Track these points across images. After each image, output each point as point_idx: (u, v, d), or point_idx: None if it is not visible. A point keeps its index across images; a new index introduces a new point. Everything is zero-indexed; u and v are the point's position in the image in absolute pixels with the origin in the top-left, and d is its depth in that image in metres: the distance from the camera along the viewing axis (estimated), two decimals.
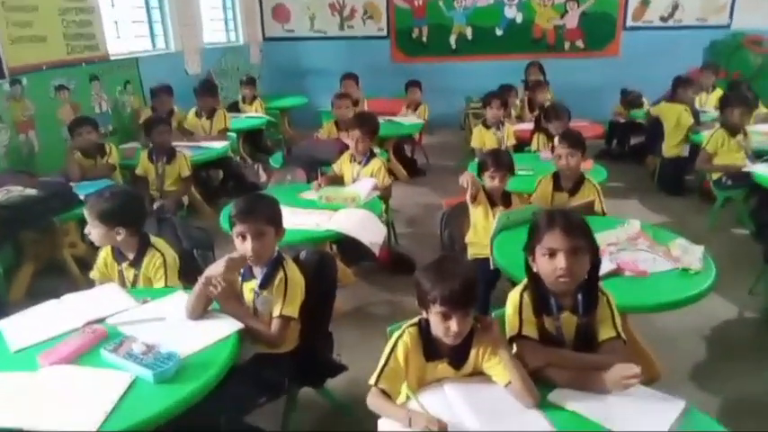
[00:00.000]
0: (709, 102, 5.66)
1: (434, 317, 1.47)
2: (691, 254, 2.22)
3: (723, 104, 4.25)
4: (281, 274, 1.94)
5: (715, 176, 4.18)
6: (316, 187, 3.30)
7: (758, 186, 3.59)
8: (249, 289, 1.98)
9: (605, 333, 1.62)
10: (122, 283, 2.18)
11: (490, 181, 2.86)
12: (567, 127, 4.23)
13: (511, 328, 1.64)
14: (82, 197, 3.11)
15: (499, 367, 1.49)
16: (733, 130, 4.11)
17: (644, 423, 1.35)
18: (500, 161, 2.87)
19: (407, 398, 1.48)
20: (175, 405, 1.49)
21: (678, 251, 2.26)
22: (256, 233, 1.89)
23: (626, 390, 1.44)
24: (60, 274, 3.38)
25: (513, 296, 1.68)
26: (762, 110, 5.08)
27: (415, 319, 1.56)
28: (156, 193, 3.96)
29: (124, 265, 2.21)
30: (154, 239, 2.24)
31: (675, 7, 7.42)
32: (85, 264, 3.45)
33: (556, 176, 3.03)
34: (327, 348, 2.21)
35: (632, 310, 2.00)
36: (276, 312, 1.91)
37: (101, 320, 1.84)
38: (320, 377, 2.17)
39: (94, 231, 2.16)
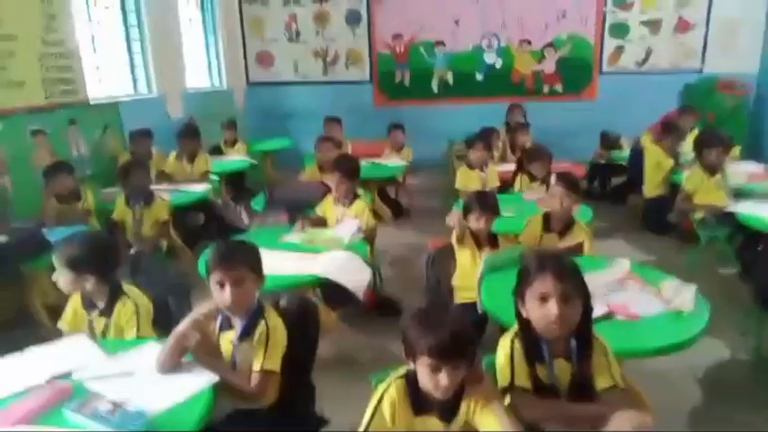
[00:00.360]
0: (687, 143, 5.77)
1: (423, 369, 1.38)
2: (682, 294, 2.17)
3: (700, 145, 4.32)
4: (262, 325, 1.84)
5: (698, 216, 4.20)
6: (299, 228, 3.24)
7: (742, 226, 3.60)
8: (227, 340, 1.87)
9: (603, 382, 1.55)
10: (92, 334, 2.06)
11: (476, 223, 2.83)
12: (548, 168, 4.26)
13: (503, 378, 1.56)
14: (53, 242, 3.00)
15: (491, 420, 1.40)
16: (711, 169, 4.16)
17: None
18: (486, 203, 2.84)
19: None
20: None
21: (669, 292, 2.21)
22: (236, 280, 1.79)
23: None
24: (28, 326, 3.21)
25: (504, 343, 1.61)
26: (735, 151, 5.18)
27: (402, 371, 1.47)
28: (132, 238, 3.85)
29: (94, 314, 2.09)
30: (126, 287, 2.14)
31: (649, 53, 7.67)
32: (57, 314, 3.29)
33: (546, 217, 3.00)
34: (309, 401, 2.09)
35: (626, 355, 1.92)
36: (257, 366, 1.80)
37: (66, 375, 1.72)
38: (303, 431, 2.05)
39: (62, 278, 2.06)
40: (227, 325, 1.88)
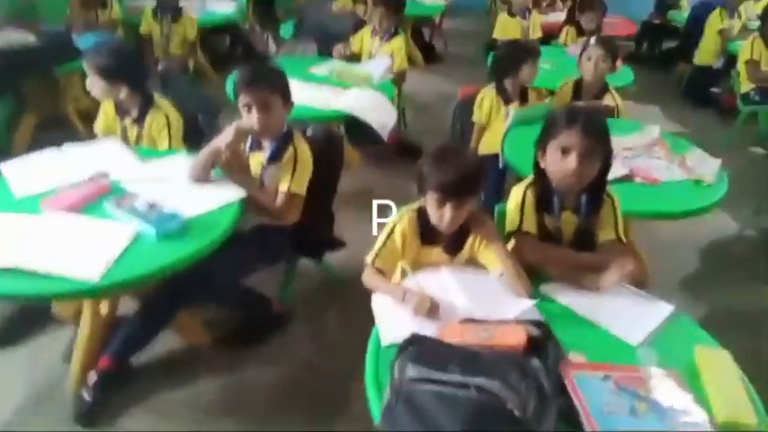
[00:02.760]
0: (755, 10, 5.26)
1: (430, 203, 1.46)
2: (706, 165, 2.17)
3: (766, 14, 3.96)
4: (290, 150, 1.89)
5: (743, 90, 3.99)
6: (338, 53, 3.16)
7: None
8: (257, 161, 1.95)
9: (606, 234, 1.61)
10: (125, 140, 2.15)
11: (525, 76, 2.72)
12: (600, 21, 3.97)
13: (511, 222, 1.63)
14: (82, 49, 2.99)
15: (493, 257, 1.50)
16: None
17: (630, 322, 1.37)
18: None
19: (401, 276, 1.51)
20: (177, 262, 1.52)
21: (694, 162, 2.20)
22: (263, 104, 1.81)
23: (618, 289, 1.46)
24: (63, 128, 3.33)
25: (517, 191, 1.66)
26: None
27: (415, 205, 1.55)
28: (161, 54, 3.80)
29: (127, 121, 2.16)
30: (158, 99, 2.18)
31: None
32: (90, 118, 3.40)
33: (578, 84, 2.87)
34: (329, 226, 2.23)
35: (638, 215, 1.98)
36: (284, 188, 1.89)
37: (104, 174, 1.83)
38: (320, 250, 2.22)
39: (95, 86, 2.09)
40: (256, 146, 1.94)
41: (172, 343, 2.04)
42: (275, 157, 1.91)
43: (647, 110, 4.59)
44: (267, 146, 1.92)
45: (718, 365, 1.21)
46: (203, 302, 2.07)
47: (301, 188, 1.90)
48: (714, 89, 4.71)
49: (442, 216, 1.44)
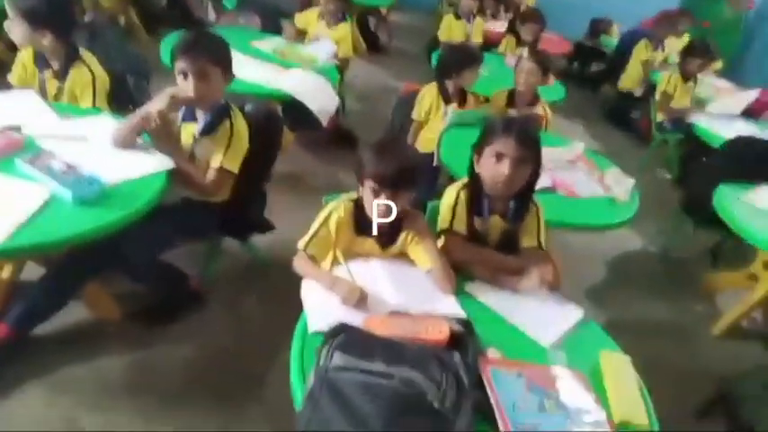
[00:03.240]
0: (677, 46, 5.68)
1: (367, 192, 1.47)
2: (621, 185, 2.32)
3: (686, 52, 4.31)
4: (226, 124, 1.83)
5: (658, 118, 4.32)
6: (288, 35, 3.09)
7: (694, 136, 3.76)
8: (188, 132, 1.87)
9: (529, 240, 1.70)
10: (43, 94, 1.99)
11: (463, 78, 2.78)
12: (538, 35, 4.14)
13: (443, 220, 1.68)
14: None
15: (423, 253, 1.54)
16: (688, 77, 4.21)
17: (543, 324, 1.45)
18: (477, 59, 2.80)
19: (332, 264, 1.51)
20: (92, 231, 1.43)
21: (611, 180, 2.36)
22: (200, 72, 1.74)
23: (536, 292, 1.55)
24: None
25: (450, 192, 1.71)
26: (717, 65, 5.20)
27: (353, 195, 1.56)
28: (89, 4, 3.53)
29: (47, 73, 1.99)
30: (83, 53, 2.02)
31: None
32: (1, 65, 3.10)
33: (511, 93, 2.99)
34: (260, 207, 2.18)
35: (557, 225, 2.09)
36: (215, 163, 1.82)
37: (16, 128, 1.68)
38: (248, 231, 2.16)
39: (17, 29, 1.91)
40: (190, 117, 1.86)
41: (78, 314, 1.92)
42: (209, 130, 1.83)
43: (572, 126, 4.85)
44: (201, 117, 1.85)
45: (619, 369, 1.32)
46: (115, 274, 1.96)
47: (234, 165, 1.85)
48: (633, 114, 5.06)
49: (377, 207, 1.45)
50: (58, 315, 1.77)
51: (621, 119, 5.07)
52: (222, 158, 1.81)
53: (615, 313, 2.65)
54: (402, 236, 1.57)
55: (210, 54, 1.76)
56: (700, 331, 2.72)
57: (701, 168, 3.18)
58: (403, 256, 1.59)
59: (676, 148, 4.26)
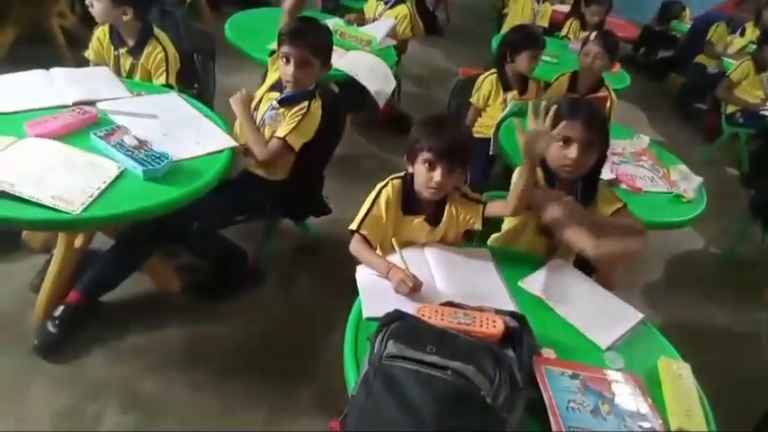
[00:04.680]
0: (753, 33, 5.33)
1: (420, 166, 1.46)
2: (688, 182, 2.22)
3: (763, 40, 4.04)
4: (304, 104, 1.88)
5: (729, 111, 4.09)
6: (349, 17, 3.17)
7: (766, 132, 3.55)
8: (268, 99, 1.93)
9: (610, 208, 1.66)
10: (117, 71, 2.07)
11: (524, 63, 2.68)
12: (604, 17, 3.97)
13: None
14: None
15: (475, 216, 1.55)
16: (761, 66, 3.95)
17: (601, 325, 1.41)
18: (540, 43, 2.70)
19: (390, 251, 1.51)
20: (161, 205, 1.49)
21: (677, 176, 2.26)
22: (301, 60, 1.82)
23: (592, 290, 1.52)
24: (44, 44, 3.17)
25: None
26: None
27: (401, 173, 1.55)
28: None
29: (122, 50, 2.06)
30: (157, 31, 2.08)
31: None
32: (73, 38, 3.23)
33: (573, 77, 2.88)
34: (318, 189, 2.21)
35: None
36: (281, 133, 1.87)
37: (91, 103, 1.76)
38: (306, 213, 2.20)
39: (98, 5, 1.97)
40: (277, 87, 1.94)
41: (142, 284, 2.00)
42: (289, 102, 1.89)
43: (636, 116, 4.65)
44: (286, 91, 1.90)
45: (678, 377, 1.27)
46: (178, 247, 2.04)
47: (296, 142, 1.88)
48: (700, 105, 4.80)
49: (431, 179, 1.45)
50: (123, 285, 1.86)
51: (689, 110, 4.82)
52: (288, 132, 1.86)
53: (672, 315, 2.56)
54: (447, 210, 1.55)
55: (314, 45, 1.84)
56: (763, 341, 2.60)
57: None
58: (454, 238, 1.58)
59: (746, 144, 4.03)
